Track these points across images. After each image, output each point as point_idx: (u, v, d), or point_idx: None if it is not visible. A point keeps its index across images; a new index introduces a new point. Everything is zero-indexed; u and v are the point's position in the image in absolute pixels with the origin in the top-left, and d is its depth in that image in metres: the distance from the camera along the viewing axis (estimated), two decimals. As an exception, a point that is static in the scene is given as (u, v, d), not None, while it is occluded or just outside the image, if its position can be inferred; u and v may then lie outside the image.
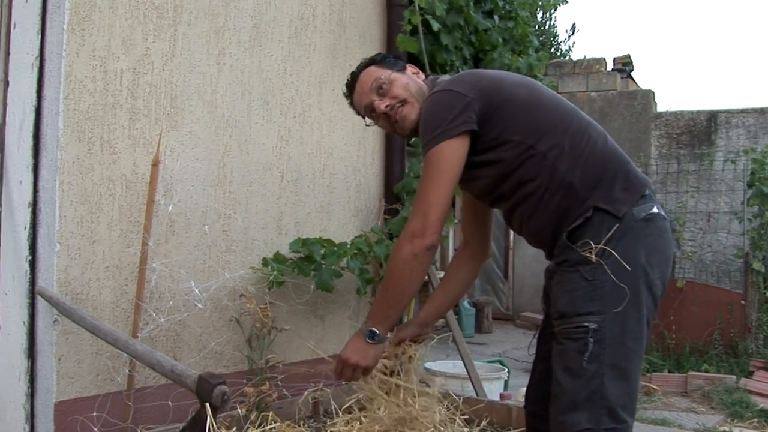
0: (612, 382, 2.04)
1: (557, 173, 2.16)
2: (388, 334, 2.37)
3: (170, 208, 3.34)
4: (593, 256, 2.07)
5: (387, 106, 2.39)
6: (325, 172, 4.27)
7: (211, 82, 3.66)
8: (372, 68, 2.47)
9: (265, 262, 3.77)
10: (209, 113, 3.65)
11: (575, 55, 21.07)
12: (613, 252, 2.06)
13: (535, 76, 5.42)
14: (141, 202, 3.32)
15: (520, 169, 2.20)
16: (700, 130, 10.54)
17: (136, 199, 3.33)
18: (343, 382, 2.46)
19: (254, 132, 3.87)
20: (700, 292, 7.68)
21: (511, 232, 10.68)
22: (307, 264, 3.78)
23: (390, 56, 2.56)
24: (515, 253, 10.89)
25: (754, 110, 10.30)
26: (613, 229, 2.08)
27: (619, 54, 12.91)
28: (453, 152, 2.15)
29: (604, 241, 2.07)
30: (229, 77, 3.74)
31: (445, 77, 2.43)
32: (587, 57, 12.04)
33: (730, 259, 8.83)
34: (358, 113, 2.55)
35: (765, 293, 7.54)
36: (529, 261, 10.31)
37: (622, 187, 2.14)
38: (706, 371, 6.70)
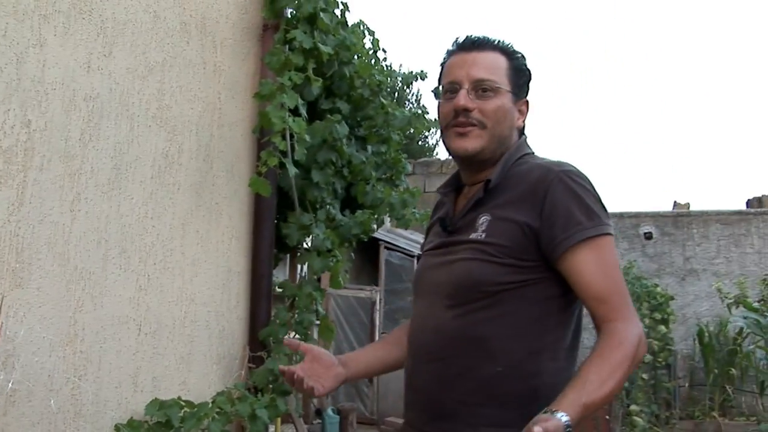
0: None
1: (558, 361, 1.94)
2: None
3: (10, 384, 3.00)
4: None
5: (479, 113, 2.01)
6: (186, 320, 3.98)
7: (63, 232, 3.37)
8: (501, 59, 2.06)
9: (117, 429, 3.45)
10: (60, 266, 3.34)
11: (443, 151, 21.42)
12: None
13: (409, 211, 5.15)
14: (-24, 375, 2.98)
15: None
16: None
17: (-29, 371, 2.98)
18: None
19: (110, 283, 3.57)
20: None
21: (377, 335, 10.57)
22: (165, 430, 3.49)
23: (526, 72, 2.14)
24: (381, 356, 10.76)
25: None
26: None
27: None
28: None
29: None
30: (84, 225, 3.46)
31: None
32: (453, 158, 12.20)
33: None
34: (455, 81, 2.05)
35: None
36: (394, 365, 10.18)
37: None
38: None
